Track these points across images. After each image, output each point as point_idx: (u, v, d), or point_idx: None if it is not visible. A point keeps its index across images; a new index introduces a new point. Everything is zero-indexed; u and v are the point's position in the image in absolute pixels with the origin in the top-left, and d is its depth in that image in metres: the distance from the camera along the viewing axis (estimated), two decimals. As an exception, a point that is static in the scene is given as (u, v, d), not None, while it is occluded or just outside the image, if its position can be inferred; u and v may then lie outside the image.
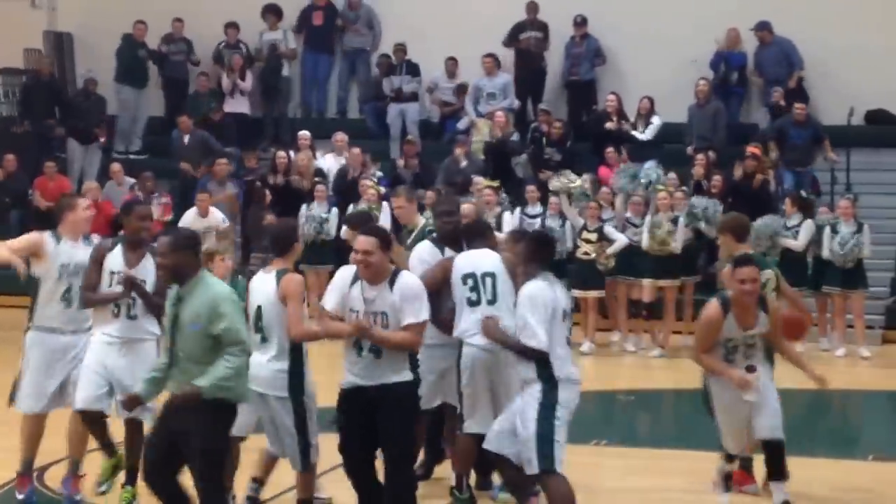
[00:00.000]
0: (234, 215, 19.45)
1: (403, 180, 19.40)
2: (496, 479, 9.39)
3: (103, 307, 8.87)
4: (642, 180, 17.99)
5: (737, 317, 8.79)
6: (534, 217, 17.53)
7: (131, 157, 22.61)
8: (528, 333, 7.99)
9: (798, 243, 16.89)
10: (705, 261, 17.27)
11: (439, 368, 9.17)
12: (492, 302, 8.91)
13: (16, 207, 21.62)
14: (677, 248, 16.76)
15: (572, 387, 8.13)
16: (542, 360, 8.01)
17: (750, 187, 18.30)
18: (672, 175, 18.24)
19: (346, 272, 8.15)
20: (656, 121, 20.25)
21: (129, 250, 8.94)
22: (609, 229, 16.96)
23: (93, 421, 8.97)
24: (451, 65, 21.99)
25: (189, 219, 18.45)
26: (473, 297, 8.93)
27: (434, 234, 9.68)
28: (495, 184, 17.88)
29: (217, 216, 18.58)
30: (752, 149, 18.94)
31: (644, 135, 20.16)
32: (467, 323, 8.92)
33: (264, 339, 8.30)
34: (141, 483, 8.05)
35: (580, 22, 21.62)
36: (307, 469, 8.47)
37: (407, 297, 7.94)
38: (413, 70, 22.28)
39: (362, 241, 7.96)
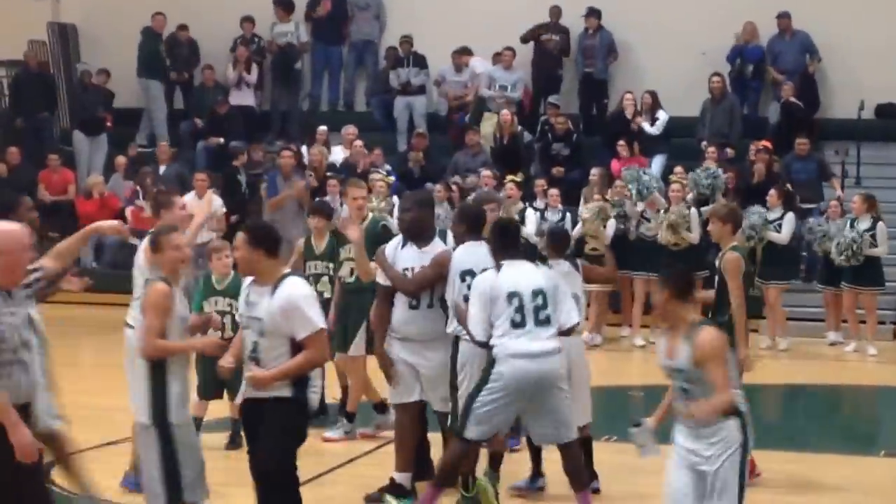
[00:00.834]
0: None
1: (412, 174, 19.35)
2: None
3: None
4: (643, 191, 17.54)
5: None
6: (542, 211, 17.42)
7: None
8: (470, 324, 8.41)
9: (782, 236, 16.69)
10: (714, 256, 17.09)
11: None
12: None
13: (20, 201, 21.51)
14: (695, 238, 16.53)
15: (512, 361, 8.28)
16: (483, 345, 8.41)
17: (758, 182, 18.13)
18: (679, 169, 18.11)
19: None
20: (662, 115, 20.13)
21: None
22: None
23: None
24: (459, 58, 21.88)
25: (190, 203, 17.90)
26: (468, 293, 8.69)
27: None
28: (518, 178, 17.64)
29: (217, 203, 17.41)
30: (762, 143, 18.84)
31: (653, 129, 20.05)
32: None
33: None
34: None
35: (593, 14, 21.51)
36: None
37: (288, 309, 7.26)
38: (420, 62, 22.18)
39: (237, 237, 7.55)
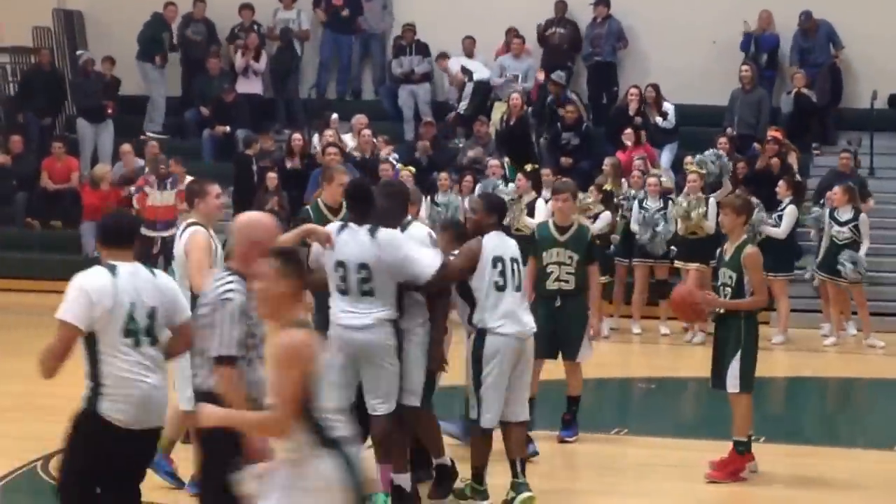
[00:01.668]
0: None
1: (419, 162, 19.24)
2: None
3: None
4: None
5: None
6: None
7: (162, 137, 21.91)
8: None
9: (779, 230, 16.44)
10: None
11: None
12: (518, 288, 8.86)
13: (23, 190, 21.43)
14: (711, 227, 16.12)
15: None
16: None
17: (771, 173, 17.91)
18: (689, 158, 17.87)
19: None
20: (669, 108, 19.94)
21: None
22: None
23: None
24: (469, 44, 21.75)
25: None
26: (500, 282, 8.73)
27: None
28: (528, 168, 17.36)
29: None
30: (772, 132, 18.66)
31: (665, 123, 19.85)
32: (491, 312, 8.70)
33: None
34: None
35: (602, 3, 21.34)
36: None
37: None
38: (423, 51, 22.05)
39: None
